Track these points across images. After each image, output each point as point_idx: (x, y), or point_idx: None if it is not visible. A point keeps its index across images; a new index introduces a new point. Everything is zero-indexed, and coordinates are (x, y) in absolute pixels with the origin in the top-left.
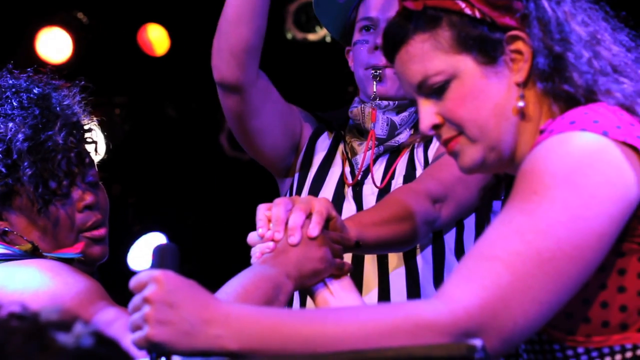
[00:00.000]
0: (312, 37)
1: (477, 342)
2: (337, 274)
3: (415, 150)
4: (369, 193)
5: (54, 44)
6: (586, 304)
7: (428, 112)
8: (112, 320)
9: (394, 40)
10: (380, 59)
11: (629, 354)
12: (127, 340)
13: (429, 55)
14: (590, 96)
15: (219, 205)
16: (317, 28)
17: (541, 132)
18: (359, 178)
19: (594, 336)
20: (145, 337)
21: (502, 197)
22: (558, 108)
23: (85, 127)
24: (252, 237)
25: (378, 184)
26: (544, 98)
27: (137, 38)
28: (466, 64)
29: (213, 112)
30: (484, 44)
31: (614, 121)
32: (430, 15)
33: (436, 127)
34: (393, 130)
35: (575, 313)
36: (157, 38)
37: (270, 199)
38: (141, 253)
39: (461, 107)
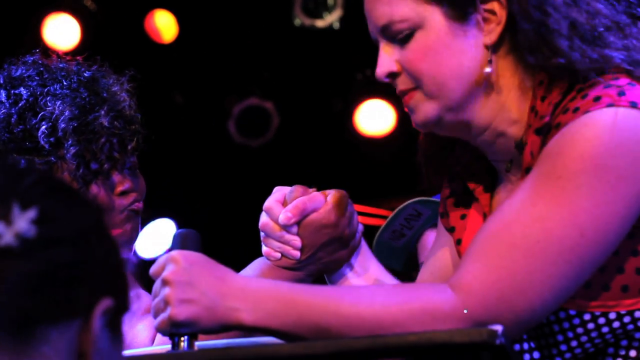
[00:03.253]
0: (320, 23)
1: (498, 328)
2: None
3: None
4: None
5: (62, 31)
6: (604, 272)
7: (387, 59)
8: (132, 299)
9: None
10: None
11: None
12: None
13: (395, 2)
14: (595, 67)
15: (227, 191)
16: (325, 14)
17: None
18: None
19: (611, 301)
20: (169, 318)
21: None
22: (556, 85)
23: (130, 115)
24: (264, 221)
25: None
26: (529, 72)
27: (145, 25)
28: (434, 16)
29: (221, 98)
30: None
31: (638, 90)
32: None
33: (393, 75)
34: None
35: (593, 282)
36: (165, 25)
37: (278, 185)
38: (149, 238)
39: (422, 60)
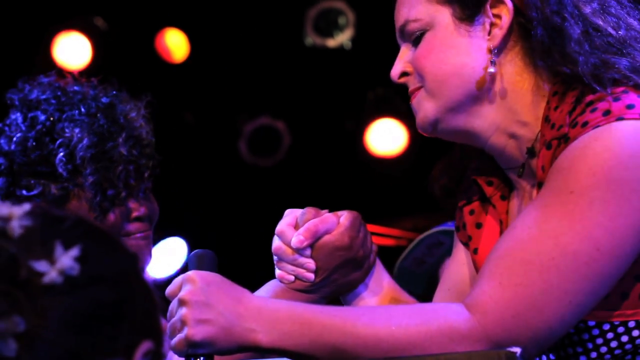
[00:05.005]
0: (331, 43)
1: (517, 350)
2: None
3: None
4: None
5: (72, 49)
6: (622, 282)
7: (401, 60)
8: None
9: None
10: None
11: None
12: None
13: (412, 4)
14: (602, 76)
15: (238, 210)
16: (337, 34)
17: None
18: None
19: (629, 309)
20: (185, 338)
21: None
22: (568, 94)
23: (147, 142)
24: (277, 244)
25: None
26: (543, 78)
27: (156, 44)
28: (443, 16)
29: (232, 118)
30: (464, 2)
31: None
32: None
33: (405, 74)
34: None
35: (611, 292)
36: (176, 44)
37: (288, 206)
38: (160, 258)
39: (427, 57)
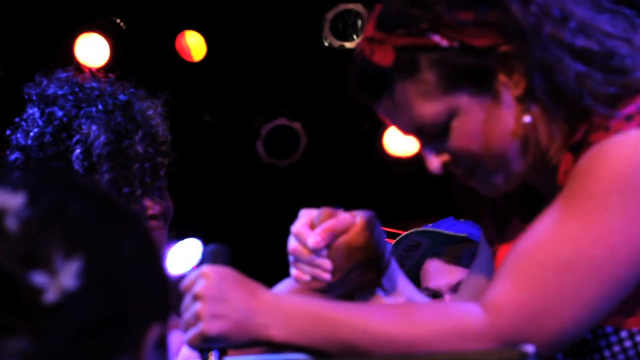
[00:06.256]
0: (348, 45)
1: (530, 349)
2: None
3: None
4: None
5: (93, 49)
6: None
7: (434, 156)
8: None
9: (369, 96)
10: None
11: None
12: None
13: (418, 102)
14: (620, 94)
15: (255, 212)
16: (354, 36)
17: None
18: None
19: None
20: (201, 333)
21: None
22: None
23: (163, 140)
24: (293, 244)
25: None
26: (555, 115)
27: (175, 44)
28: (462, 100)
29: (249, 118)
30: (473, 74)
31: None
32: (404, 62)
33: (447, 164)
34: None
35: (630, 299)
36: (194, 44)
37: (305, 206)
38: (178, 258)
39: (471, 143)
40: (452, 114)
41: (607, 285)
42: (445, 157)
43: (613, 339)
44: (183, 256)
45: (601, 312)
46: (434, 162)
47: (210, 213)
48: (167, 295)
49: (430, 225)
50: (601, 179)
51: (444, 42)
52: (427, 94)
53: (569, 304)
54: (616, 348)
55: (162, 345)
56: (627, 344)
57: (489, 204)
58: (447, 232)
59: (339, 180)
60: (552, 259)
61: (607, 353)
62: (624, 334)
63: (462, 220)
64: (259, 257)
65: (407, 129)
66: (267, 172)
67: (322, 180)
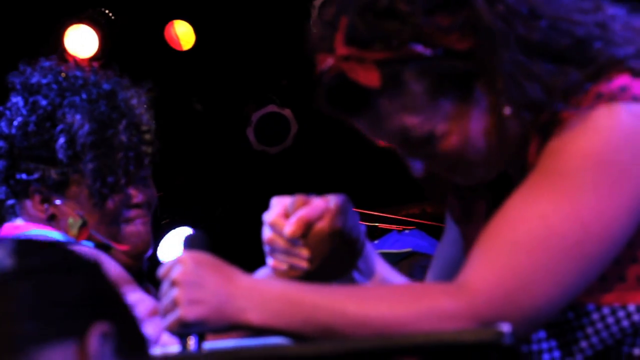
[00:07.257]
0: None
1: (506, 328)
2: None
3: None
4: None
5: (82, 40)
6: (619, 264)
7: (418, 161)
8: (136, 302)
9: (347, 113)
10: None
11: None
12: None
13: (404, 114)
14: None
15: (246, 199)
16: None
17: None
18: None
19: (628, 292)
20: (178, 319)
21: None
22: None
23: (147, 129)
24: (267, 234)
25: None
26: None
27: (164, 33)
28: (446, 105)
29: (240, 105)
30: (458, 79)
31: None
32: (387, 76)
33: (429, 165)
34: None
35: (608, 275)
36: (183, 33)
37: (296, 192)
38: (170, 247)
39: (457, 146)
40: (438, 121)
41: (580, 262)
42: (428, 161)
43: (595, 316)
44: (176, 244)
45: (576, 289)
46: (420, 170)
47: (202, 201)
48: (115, 302)
49: (375, 242)
50: (572, 156)
51: (428, 51)
52: (413, 105)
53: (543, 281)
54: (599, 325)
55: (125, 352)
56: (610, 320)
57: (454, 184)
58: (392, 250)
59: (330, 167)
60: (525, 237)
61: (590, 330)
62: (605, 310)
63: (406, 232)
64: (249, 244)
65: (390, 141)
66: (258, 159)
67: (313, 166)
